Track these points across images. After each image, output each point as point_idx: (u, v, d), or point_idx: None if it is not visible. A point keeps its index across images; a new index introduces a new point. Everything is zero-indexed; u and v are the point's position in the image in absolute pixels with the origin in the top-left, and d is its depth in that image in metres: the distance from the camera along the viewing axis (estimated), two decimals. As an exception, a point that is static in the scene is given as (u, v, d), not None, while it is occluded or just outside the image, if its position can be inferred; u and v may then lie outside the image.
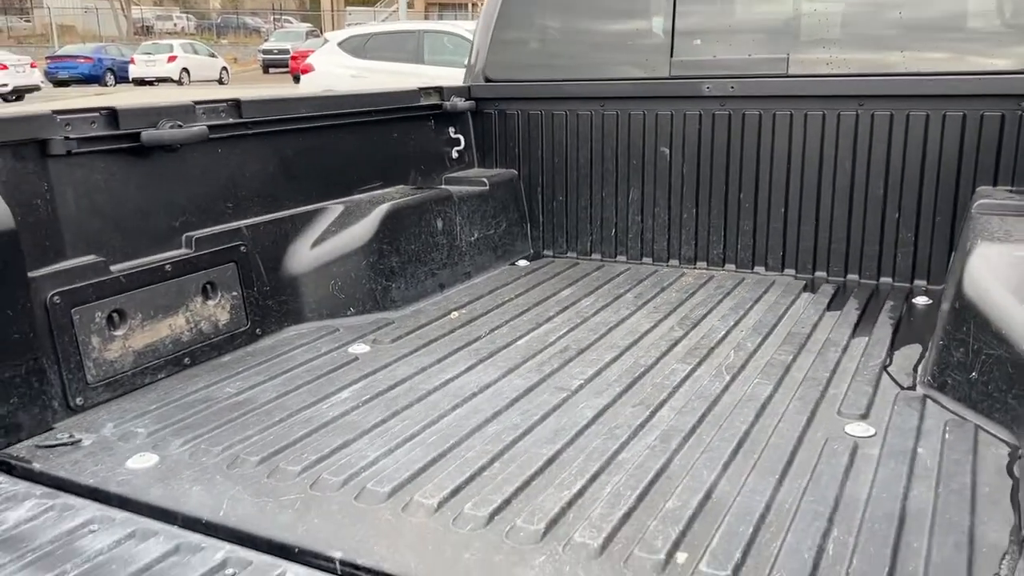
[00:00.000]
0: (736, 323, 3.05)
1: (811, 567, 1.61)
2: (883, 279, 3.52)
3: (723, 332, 2.96)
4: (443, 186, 3.87)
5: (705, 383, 2.51)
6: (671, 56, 3.80)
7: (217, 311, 2.82)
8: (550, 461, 2.07)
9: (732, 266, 3.80)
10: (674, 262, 3.91)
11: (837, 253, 3.59)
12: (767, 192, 3.68)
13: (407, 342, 2.95)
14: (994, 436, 2.13)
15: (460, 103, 4.07)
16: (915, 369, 2.59)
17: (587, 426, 2.25)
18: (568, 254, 4.15)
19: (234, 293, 2.88)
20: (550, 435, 2.20)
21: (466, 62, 4.44)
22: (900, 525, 1.75)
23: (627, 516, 1.81)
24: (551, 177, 4.13)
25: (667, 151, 3.85)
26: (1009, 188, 3.22)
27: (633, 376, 2.58)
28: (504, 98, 4.17)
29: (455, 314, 3.26)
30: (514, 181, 4.16)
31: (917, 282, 3.47)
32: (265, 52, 39.81)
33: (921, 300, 3.27)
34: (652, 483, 1.95)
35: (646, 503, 1.87)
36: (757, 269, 3.75)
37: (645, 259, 3.98)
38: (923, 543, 1.69)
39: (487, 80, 4.23)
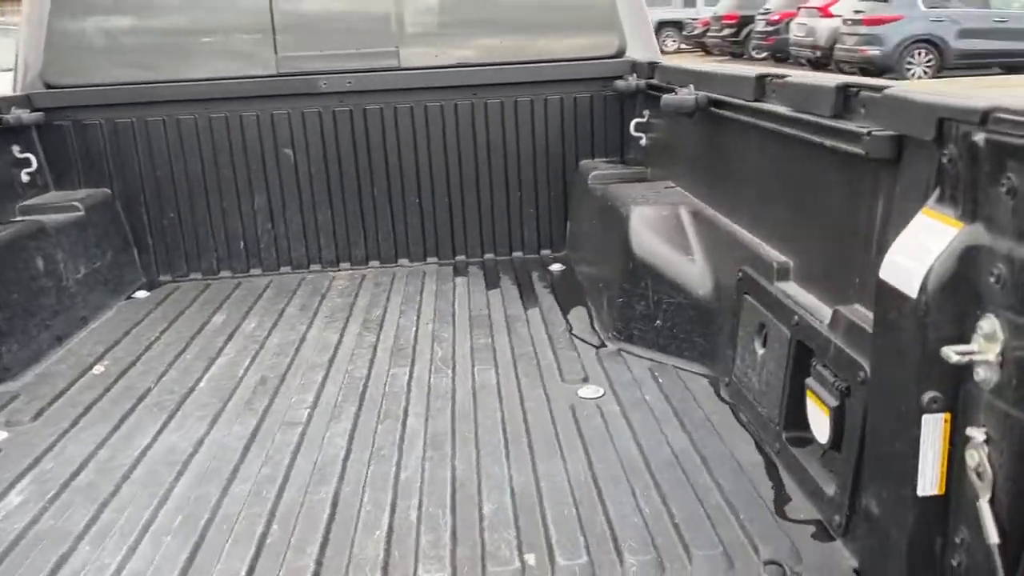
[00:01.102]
0: (418, 316, 3.04)
1: (644, 526, 1.70)
2: (515, 253, 3.80)
3: (412, 327, 2.93)
4: (31, 217, 3.15)
5: (433, 381, 2.46)
6: (276, 52, 3.58)
7: None
8: (335, 504, 1.85)
9: (377, 262, 3.76)
10: (316, 267, 3.73)
11: (473, 235, 3.78)
12: (400, 185, 3.70)
13: (58, 415, 2.37)
14: (692, 372, 2.46)
15: (24, 116, 3.33)
16: (593, 327, 2.86)
17: (347, 455, 2.06)
18: (192, 276, 3.70)
19: None
20: (316, 476, 1.96)
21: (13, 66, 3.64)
22: (681, 468, 1.93)
23: (455, 536, 1.71)
24: (156, 193, 3.62)
25: (290, 152, 3.64)
26: (605, 159, 3.70)
27: (357, 391, 2.42)
28: (80, 106, 3.53)
29: (99, 368, 2.70)
30: (109, 202, 3.56)
31: (543, 252, 3.81)
32: None
33: (556, 267, 3.61)
34: (455, 495, 1.86)
35: (463, 517, 1.78)
36: (401, 262, 3.77)
37: (284, 268, 3.73)
38: (708, 478, 1.89)
39: (48, 87, 3.53)
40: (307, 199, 3.68)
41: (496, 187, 3.73)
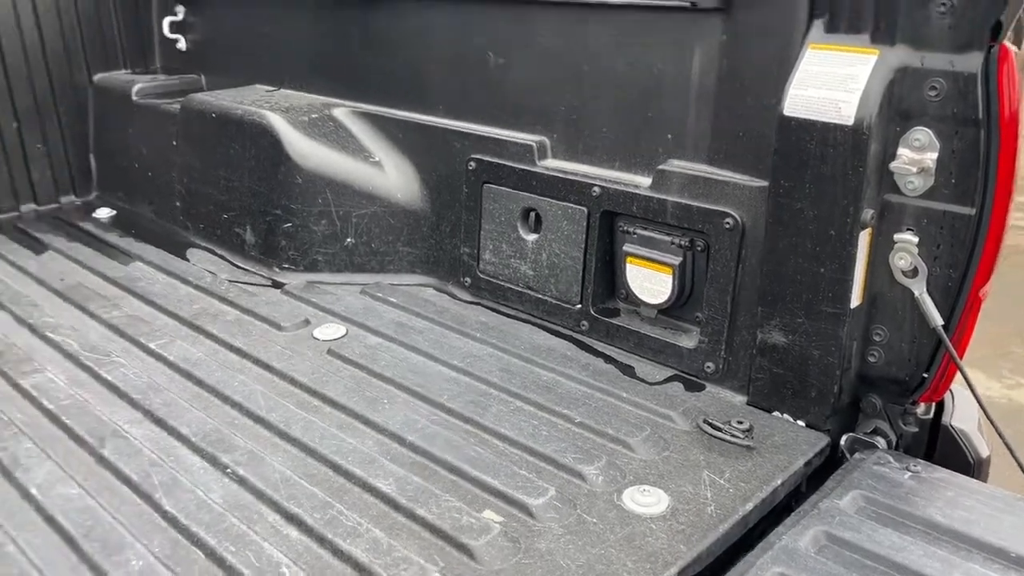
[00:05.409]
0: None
1: (559, 429, 1.52)
2: (26, 207, 2.82)
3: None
4: None
5: (126, 374, 1.73)
6: None
7: None
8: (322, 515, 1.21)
9: None
10: None
11: None
12: None
13: None
14: (409, 285, 2.21)
15: None
16: (239, 267, 2.33)
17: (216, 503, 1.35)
18: None
19: None
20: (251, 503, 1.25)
21: None
22: (516, 371, 1.76)
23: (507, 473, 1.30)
24: None
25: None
26: (127, 71, 2.96)
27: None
28: None
29: None
30: None
31: (65, 199, 2.91)
32: None
33: (106, 213, 2.80)
34: (413, 456, 1.39)
35: (474, 457, 1.35)
36: None
37: None
38: (547, 374, 1.76)
39: None
40: None
41: None
